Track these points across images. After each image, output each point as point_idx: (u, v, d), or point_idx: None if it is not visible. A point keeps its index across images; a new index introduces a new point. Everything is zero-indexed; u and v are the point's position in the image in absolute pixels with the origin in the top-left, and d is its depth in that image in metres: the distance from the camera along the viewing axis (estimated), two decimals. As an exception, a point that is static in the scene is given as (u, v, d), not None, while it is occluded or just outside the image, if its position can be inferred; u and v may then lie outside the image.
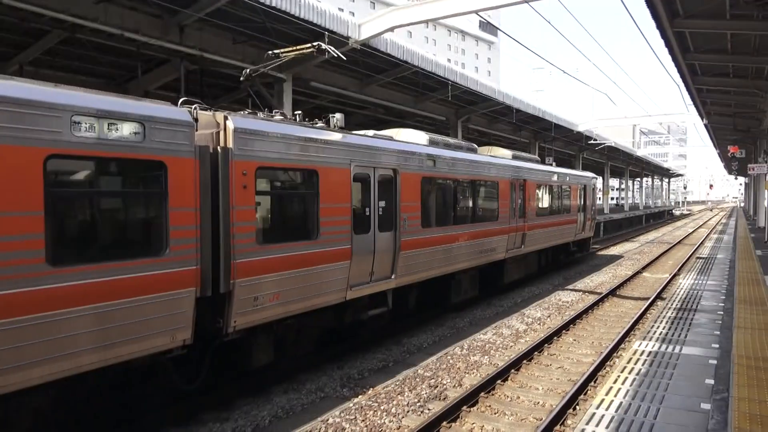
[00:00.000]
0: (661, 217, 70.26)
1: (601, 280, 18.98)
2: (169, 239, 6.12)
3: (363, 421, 7.19)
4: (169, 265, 6.12)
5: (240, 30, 12.72)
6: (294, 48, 10.33)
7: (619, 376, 6.73)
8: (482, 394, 8.10)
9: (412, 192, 10.71)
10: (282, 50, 10.16)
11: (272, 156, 7.49)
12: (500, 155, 16.39)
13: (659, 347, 8.05)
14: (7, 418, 5.39)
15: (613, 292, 16.21)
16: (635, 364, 7.28)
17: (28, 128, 4.96)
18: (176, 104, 6.52)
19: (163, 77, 16.81)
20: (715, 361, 7.35)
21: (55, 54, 14.74)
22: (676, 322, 9.60)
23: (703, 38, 14.36)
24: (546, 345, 10.77)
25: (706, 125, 30.74)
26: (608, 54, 20.39)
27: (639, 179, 74.98)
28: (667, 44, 13.96)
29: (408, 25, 13.02)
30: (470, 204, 13.33)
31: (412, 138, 12.10)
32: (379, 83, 18.16)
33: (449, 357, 9.92)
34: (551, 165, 20.82)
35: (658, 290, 15.79)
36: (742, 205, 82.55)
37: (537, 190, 17.56)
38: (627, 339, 11.07)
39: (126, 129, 5.70)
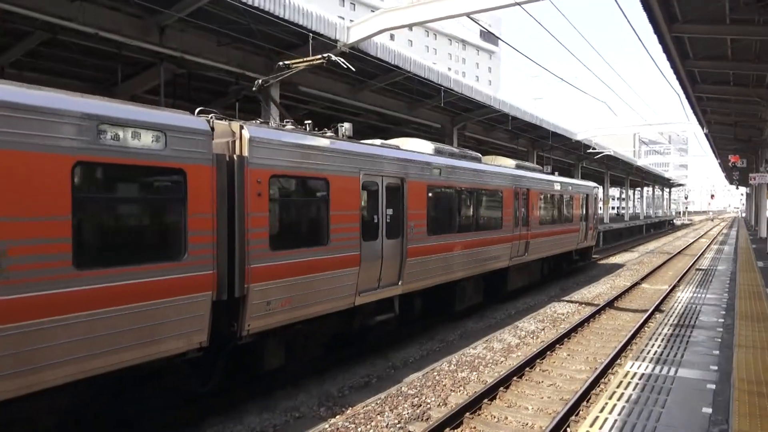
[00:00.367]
0: (662, 227, 69.78)
1: (599, 291, 18.50)
2: (188, 244, 6.30)
3: (336, 444, 6.72)
4: (187, 269, 6.29)
5: (224, 32, 12.34)
6: (304, 59, 10.42)
7: (606, 404, 6.09)
8: (467, 414, 7.62)
9: (418, 200, 10.89)
10: (292, 61, 10.33)
11: (285, 164, 7.72)
12: (504, 164, 16.55)
13: (653, 369, 7.41)
14: (35, 417, 5.57)
15: (610, 304, 15.74)
16: (626, 389, 6.63)
17: (57, 136, 5.15)
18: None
19: (151, 81, 16.39)
20: (713, 386, 6.73)
21: (39, 56, 14.35)
22: (673, 340, 9.00)
23: (702, 44, 13.97)
24: (538, 360, 10.29)
25: (706, 134, 30.34)
26: (606, 61, 20.02)
27: (639, 189, 74.56)
28: (666, 50, 13.57)
29: (398, 28, 12.65)
30: (475, 212, 13.52)
31: (418, 147, 12.19)
32: (372, 89, 17.77)
33: (436, 373, 9.44)
34: (553, 174, 20.74)
35: (657, 302, 15.31)
36: (743, 215, 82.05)
37: (540, 199, 17.67)
38: (623, 354, 10.59)
39: (148, 137, 5.90)
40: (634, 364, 7.66)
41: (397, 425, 7.24)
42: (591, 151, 35.37)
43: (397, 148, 11.05)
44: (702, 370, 7.43)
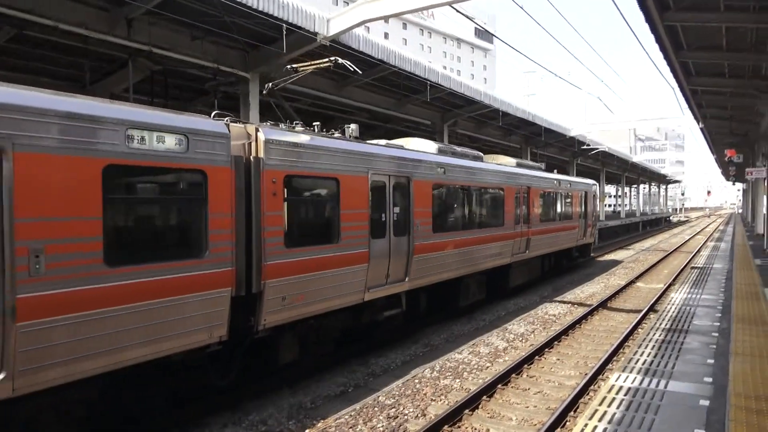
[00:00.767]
0: (659, 224, 69.38)
1: (593, 290, 18.02)
2: (209, 242, 6.59)
3: (301, 463, 6.21)
4: (208, 266, 6.58)
5: (197, 25, 11.80)
6: (311, 62, 10.54)
7: (586, 425, 5.43)
8: (446, 427, 7.12)
9: (424, 198, 11.16)
10: (300, 65, 10.53)
11: (298, 165, 7.98)
12: (505, 163, 16.84)
13: (641, 382, 6.70)
14: (65, 408, 5.71)
15: (603, 304, 15.24)
16: (609, 406, 5.92)
17: (90, 140, 5.44)
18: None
19: (128, 79, 15.88)
20: (707, 402, 5.98)
21: (10, 54, 13.80)
22: (664, 347, 8.36)
23: (696, 33, 13.48)
24: (526, 365, 9.78)
25: (702, 129, 29.87)
26: (599, 55, 19.52)
27: (636, 186, 74.17)
28: (658, 40, 13.06)
29: (379, 18, 12.12)
30: (477, 210, 13.83)
31: (422, 147, 12.45)
32: (357, 84, 17.24)
33: (417, 380, 8.93)
34: (552, 172, 20.86)
35: (651, 302, 14.82)
36: (740, 211, 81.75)
37: (540, 197, 17.94)
38: (615, 358, 10.09)
39: (172, 141, 6.20)
40: (620, 376, 7.01)
41: (370, 440, 6.74)
42: (585, 147, 34.87)
43: (402, 147, 11.28)
44: (695, 382, 6.72)
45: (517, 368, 9.51)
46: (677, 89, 20.43)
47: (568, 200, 21.12)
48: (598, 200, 28.05)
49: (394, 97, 19.75)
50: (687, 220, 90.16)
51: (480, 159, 14.76)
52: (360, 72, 12.50)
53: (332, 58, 10.33)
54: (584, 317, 13.54)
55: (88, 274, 5.37)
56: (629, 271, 22.82)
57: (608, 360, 9.80)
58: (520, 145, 31.87)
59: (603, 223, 41.54)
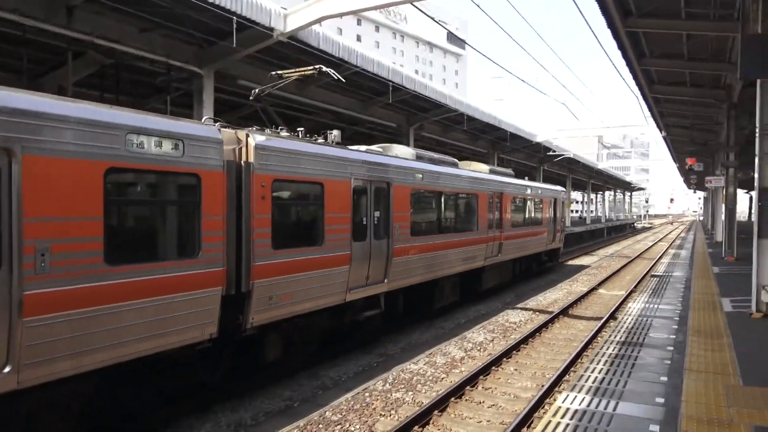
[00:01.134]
0: (623, 230, 70.56)
1: (555, 297, 17.89)
2: (202, 243, 6.87)
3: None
4: (201, 266, 6.85)
5: (144, 16, 11.19)
6: (296, 70, 10.73)
7: None
8: (392, 445, 6.71)
9: (403, 203, 11.55)
10: (285, 71, 10.72)
11: (286, 170, 8.25)
12: (478, 169, 17.36)
13: (590, 403, 6.28)
14: (62, 402, 5.89)
15: (565, 311, 15.08)
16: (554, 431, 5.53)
17: (93, 144, 5.66)
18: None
19: (79, 72, 15.07)
20: (657, 427, 5.62)
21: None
22: (617, 362, 8.06)
23: (658, 41, 13.47)
24: (482, 377, 9.44)
25: (664, 138, 30.35)
26: (563, 62, 19.50)
27: (601, 193, 75.35)
28: (621, 46, 13.00)
29: (338, 15, 11.73)
30: (453, 215, 14.37)
31: (401, 153, 12.83)
32: (319, 84, 16.77)
33: (367, 394, 8.50)
34: (523, 179, 21.73)
35: (612, 310, 14.71)
36: (701, 218, 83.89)
37: (512, 203, 18.54)
38: (572, 368, 9.83)
39: (168, 145, 6.44)
40: (568, 396, 6.65)
41: (309, 461, 6.28)
42: (551, 153, 35.06)
43: (381, 153, 11.66)
44: (646, 404, 6.35)
45: (472, 380, 9.16)
46: (641, 98, 20.58)
47: (538, 206, 21.76)
48: (566, 206, 28.80)
49: (358, 98, 19.35)
50: (651, 227, 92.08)
51: (455, 165, 15.15)
52: (343, 80, 12.34)
53: (317, 67, 10.45)
54: (545, 325, 13.33)
55: (89, 273, 5.62)
56: (592, 277, 22.85)
57: (565, 371, 9.54)
58: (487, 150, 31.80)
59: (569, 229, 41.88)
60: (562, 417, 5.96)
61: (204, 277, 6.85)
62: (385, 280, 11.02)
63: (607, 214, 71.94)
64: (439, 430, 7.37)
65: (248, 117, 21.92)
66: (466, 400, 8.48)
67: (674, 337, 9.59)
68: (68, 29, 10.06)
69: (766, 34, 7.48)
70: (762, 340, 8.54)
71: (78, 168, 5.51)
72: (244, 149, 7.60)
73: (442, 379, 9.45)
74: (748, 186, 50.63)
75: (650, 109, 22.04)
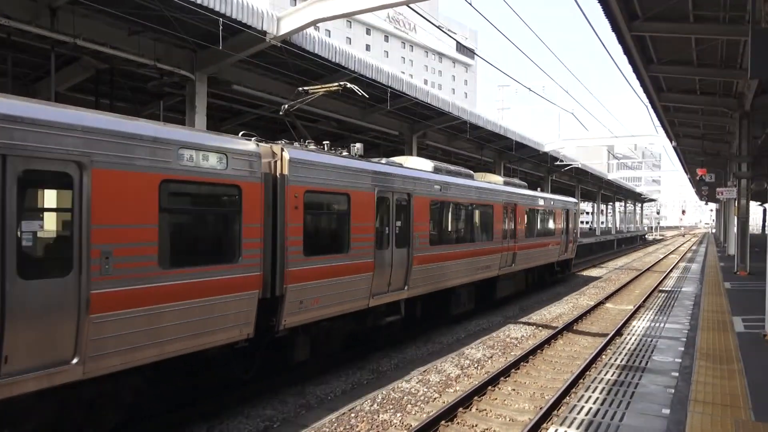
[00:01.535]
0: (633, 242, 69.53)
1: (560, 311, 17.29)
2: (242, 249, 7.43)
3: None
4: (241, 270, 7.40)
5: (132, 19, 10.89)
6: (322, 86, 11.17)
7: None
8: (372, 475, 6.21)
9: (422, 213, 12.02)
10: (310, 87, 11.16)
11: (316, 181, 8.81)
12: (493, 181, 17.98)
13: None
14: (117, 392, 6.39)
15: (569, 327, 14.49)
16: None
17: (150, 158, 6.23)
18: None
19: (73, 78, 14.85)
20: None
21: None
22: (616, 390, 7.37)
23: (666, 46, 12.96)
24: (477, 397, 8.89)
25: (675, 148, 29.67)
26: (571, 72, 19.04)
27: (612, 203, 74.37)
28: (626, 51, 12.49)
29: (331, 18, 11.35)
30: (469, 225, 14.79)
31: (419, 165, 13.28)
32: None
33: (353, 415, 8.00)
34: (536, 190, 22.07)
35: (619, 325, 14.11)
36: (713, 231, 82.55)
37: (526, 214, 18.96)
38: (574, 390, 9.26)
39: (214, 159, 7.02)
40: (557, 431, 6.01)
41: (281, 492, 5.79)
42: (558, 163, 34.47)
43: (401, 166, 12.04)
44: None
45: (466, 400, 8.63)
46: (650, 107, 20.02)
47: (551, 217, 22.11)
48: (579, 217, 28.88)
49: (358, 105, 18.95)
50: (662, 239, 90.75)
51: (471, 177, 15.67)
52: (367, 96, 12.90)
53: (341, 83, 10.95)
54: (547, 341, 12.76)
55: (145, 275, 6.14)
56: (600, 290, 22.20)
57: (565, 392, 8.97)
58: (494, 159, 31.30)
59: (578, 241, 41.17)
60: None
61: (243, 281, 7.41)
62: (406, 287, 11.48)
63: (617, 225, 70.95)
64: (425, 456, 6.85)
65: (247, 124, 21.66)
66: (458, 423, 7.96)
67: (680, 361, 8.85)
68: (51, 31, 9.73)
69: (780, 27, 7.01)
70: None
71: (137, 180, 6.10)
72: (279, 162, 8.17)
73: (435, 399, 8.93)
74: (762, 198, 49.63)
75: (660, 118, 21.45)
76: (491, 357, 11.60)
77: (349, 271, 9.58)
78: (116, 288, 5.84)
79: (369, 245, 10.13)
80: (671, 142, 26.84)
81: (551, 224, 22.18)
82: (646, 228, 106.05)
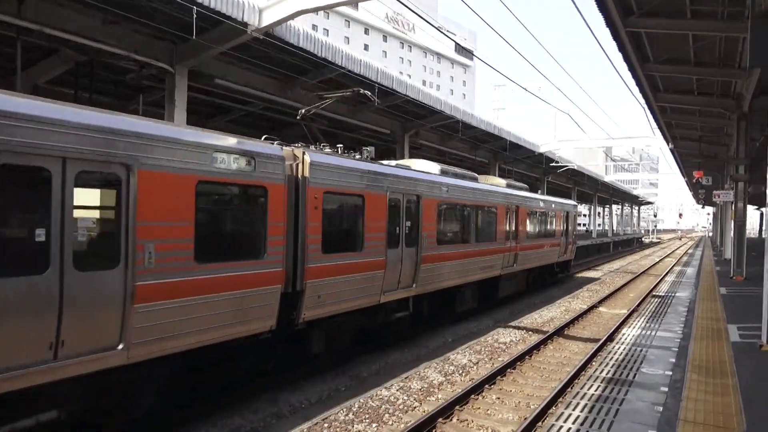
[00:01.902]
0: (630, 244, 69.16)
1: (552, 315, 16.89)
2: (267, 246, 7.88)
3: None
4: (266, 266, 7.87)
5: (107, 8, 10.43)
6: (336, 92, 11.73)
7: None
8: (339, 493, 5.78)
9: (430, 214, 12.48)
10: (325, 93, 11.76)
11: (334, 183, 9.32)
12: (496, 183, 18.46)
13: None
14: (154, 375, 6.80)
15: (560, 332, 14.09)
16: None
17: (189, 161, 6.69)
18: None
19: (52, 70, 14.38)
20: None
21: None
22: (599, 406, 6.87)
23: (662, 43, 12.55)
24: (458, 406, 8.47)
25: (672, 150, 29.30)
26: (567, 73, 18.64)
27: (608, 206, 74.00)
28: (621, 48, 12.08)
29: (316, 9, 10.93)
30: (474, 226, 15.22)
31: (427, 168, 13.73)
32: (303, 86, 15.94)
33: (326, 425, 7.58)
34: (537, 192, 22.80)
35: (611, 330, 13.70)
36: (710, 234, 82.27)
37: (527, 216, 19.42)
38: (560, 400, 8.84)
39: (243, 162, 7.48)
40: None
41: None
42: (554, 164, 34.07)
43: (409, 168, 12.55)
44: None
45: (447, 410, 8.22)
46: (646, 108, 19.64)
47: (551, 219, 22.64)
48: (577, 219, 29.14)
49: (348, 102, 18.50)
50: (659, 242, 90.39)
51: (475, 180, 16.23)
52: (379, 101, 13.54)
53: (355, 89, 11.28)
54: (536, 346, 12.35)
55: (183, 269, 6.62)
56: (593, 293, 21.82)
57: (552, 402, 8.55)
58: (489, 160, 30.86)
59: (573, 243, 40.71)
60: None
61: (268, 275, 7.87)
62: (414, 285, 11.92)
63: (614, 228, 70.63)
64: (398, 472, 6.43)
65: (235, 121, 21.19)
66: (436, 435, 7.53)
67: (670, 373, 8.31)
68: (16, 18, 9.27)
69: (781, 11, 6.56)
70: (774, 379, 7.24)
71: (177, 181, 6.56)
72: (300, 165, 8.65)
73: (415, 408, 8.52)
74: (759, 201, 49.34)
75: (656, 120, 21.06)
76: (477, 363, 11.19)
77: (362, 268, 10.08)
78: (157, 280, 6.30)
79: (381, 244, 10.62)
80: (668, 144, 26.46)
81: (551, 226, 22.60)
82: (643, 231, 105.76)
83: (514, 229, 18.00)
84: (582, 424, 6.42)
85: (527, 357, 11.65)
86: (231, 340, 7.48)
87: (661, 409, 6.70)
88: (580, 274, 29.93)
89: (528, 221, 19.49)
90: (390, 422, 7.87)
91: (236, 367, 8.27)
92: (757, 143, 19.39)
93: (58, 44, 10.57)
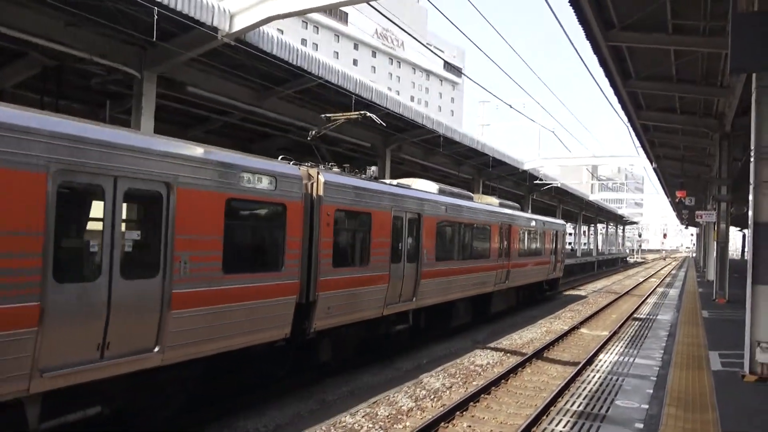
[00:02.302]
0: (615, 264, 69.19)
1: (532, 336, 16.42)
2: (285, 259, 8.44)
3: None
4: (284, 278, 8.43)
5: (67, 9, 9.96)
6: (343, 114, 12.32)
7: None
8: None
9: (430, 232, 13.07)
10: (332, 115, 12.37)
11: (345, 201, 9.95)
12: (490, 202, 19.15)
13: None
14: (181, 378, 7.31)
15: (539, 354, 13.61)
16: None
17: (221, 180, 7.36)
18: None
19: (19, 74, 13.81)
20: None
21: None
22: None
23: (644, 58, 12.33)
24: (426, 436, 7.94)
25: (655, 169, 29.24)
26: (551, 91, 18.46)
27: (593, 225, 74.20)
28: (602, 62, 11.83)
29: (288, 15, 10.52)
30: (470, 243, 15.88)
31: (425, 187, 14.42)
32: (280, 96, 15.51)
33: (280, 456, 7.01)
34: (526, 212, 23.72)
35: (592, 353, 13.25)
36: (694, 255, 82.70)
37: (519, 234, 20.10)
38: (533, 430, 8.32)
39: (266, 181, 8.07)
40: None
41: None
42: (538, 182, 33.89)
43: (409, 187, 13.12)
44: None
45: (413, 440, 7.68)
46: (629, 126, 19.47)
47: (542, 238, 23.43)
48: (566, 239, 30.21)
49: (325, 113, 18.05)
50: (643, 261, 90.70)
51: (471, 199, 16.89)
52: (384, 124, 13.50)
53: (361, 112, 11.93)
54: (513, 370, 11.85)
55: (212, 279, 7.16)
56: (576, 314, 21.40)
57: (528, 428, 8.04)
58: (473, 176, 30.55)
59: (557, 261, 40.42)
60: None
61: (285, 287, 8.44)
62: (414, 299, 12.52)
63: (599, 247, 70.74)
64: None
65: (213, 132, 20.66)
66: (399, 467, 6.99)
67: (646, 407, 7.76)
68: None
69: (765, 11, 6.21)
70: (757, 416, 6.62)
71: (210, 198, 7.14)
72: (315, 184, 9.25)
73: (379, 437, 7.96)
74: (742, 223, 49.60)
75: (639, 138, 20.92)
76: (450, 387, 10.66)
77: (368, 281, 10.67)
78: (191, 289, 6.81)
79: (386, 259, 11.20)
80: (651, 164, 26.37)
81: (542, 245, 23.42)
82: (627, 250, 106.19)
83: (506, 247, 18.60)
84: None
85: (503, 381, 11.13)
86: (251, 346, 7.99)
87: (633, 451, 6.12)
88: (563, 294, 29.58)
89: (519, 240, 20.13)
90: (351, 453, 7.31)
91: (254, 371, 8.86)
92: (739, 163, 19.28)
93: (25, 47, 10.02)
